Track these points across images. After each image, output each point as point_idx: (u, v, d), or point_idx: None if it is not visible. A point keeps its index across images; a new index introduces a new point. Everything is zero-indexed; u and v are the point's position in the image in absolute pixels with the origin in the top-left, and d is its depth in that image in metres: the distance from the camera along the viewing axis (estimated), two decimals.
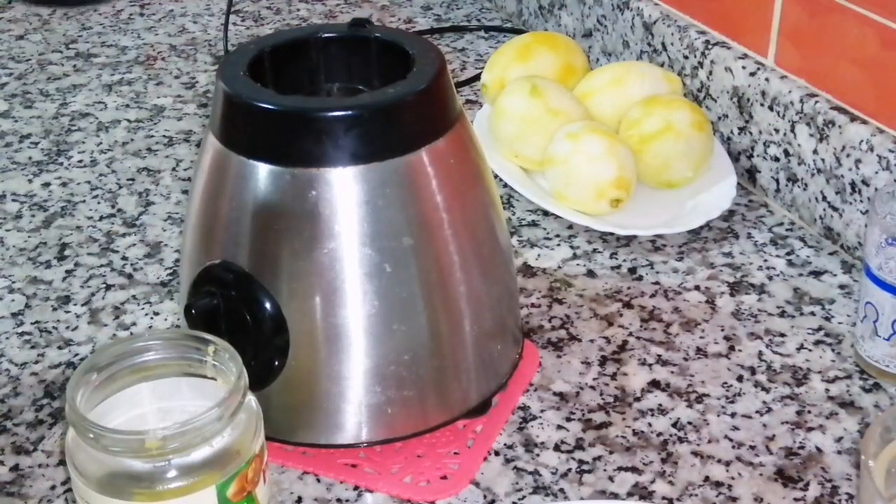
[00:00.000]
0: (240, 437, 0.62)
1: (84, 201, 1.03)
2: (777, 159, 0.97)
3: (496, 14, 1.38)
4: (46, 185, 1.06)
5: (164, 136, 1.14)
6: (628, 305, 0.88)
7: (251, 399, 0.64)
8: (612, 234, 0.95)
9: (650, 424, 0.77)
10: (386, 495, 0.72)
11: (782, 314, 0.87)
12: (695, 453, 0.74)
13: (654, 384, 0.80)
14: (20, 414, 0.79)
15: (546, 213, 0.99)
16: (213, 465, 0.61)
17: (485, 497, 0.71)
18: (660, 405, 0.78)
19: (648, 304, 0.88)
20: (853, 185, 0.90)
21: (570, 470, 0.73)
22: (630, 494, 0.71)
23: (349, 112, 0.68)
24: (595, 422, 0.77)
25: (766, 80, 0.97)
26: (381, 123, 0.69)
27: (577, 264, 0.93)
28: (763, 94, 0.97)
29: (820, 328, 0.85)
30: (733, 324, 0.86)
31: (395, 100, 0.69)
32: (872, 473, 0.57)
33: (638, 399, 0.79)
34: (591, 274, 0.92)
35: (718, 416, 0.77)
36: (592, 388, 0.80)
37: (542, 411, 0.78)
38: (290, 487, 0.72)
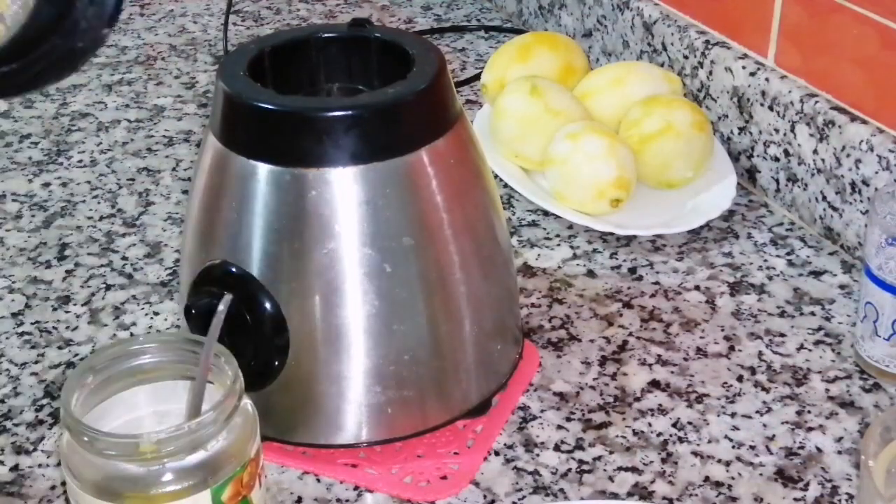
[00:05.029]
0: (235, 441, 0.62)
1: (84, 201, 1.03)
2: (777, 159, 0.97)
3: (496, 14, 1.38)
4: (46, 185, 1.06)
5: (164, 136, 1.14)
6: (628, 305, 0.88)
7: (247, 403, 0.64)
8: (612, 234, 0.95)
9: (650, 424, 0.77)
10: (386, 495, 0.72)
11: (782, 314, 0.87)
12: (695, 453, 0.74)
13: (654, 384, 0.80)
14: (20, 414, 0.79)
15: (546, 213, 0.99)
16: (208, 468, 0.60)
17: (485, 497, 0.71)
18: (660, 405, 0.78)
19: (648, 304, 0.88)
20: (853, 185, 0.90)
21: (570, 470, 0.73)
22: (630, 494, 0.71)
23: (349, 112, 0.68)
24: (595, 422, 0.77)
25: (766, 80, 0.96)
26: (381, 123, 0.69)
27: (577, 264, 0.93)
28: (763, 94, 0.97)
29: (820, 328, 0.85)
30: (733, 324, 0.86)
31: (395, 100, 0.69)
32: (872, 473, 0.57)
33: (638, 399, 0.79)
34: (591, 274, 0.92)
35: (718, 416, 0.77)
36: (592, 388, 0.80)
37: (542, 411, 0.78)
38: (290, 487, 0.72)
